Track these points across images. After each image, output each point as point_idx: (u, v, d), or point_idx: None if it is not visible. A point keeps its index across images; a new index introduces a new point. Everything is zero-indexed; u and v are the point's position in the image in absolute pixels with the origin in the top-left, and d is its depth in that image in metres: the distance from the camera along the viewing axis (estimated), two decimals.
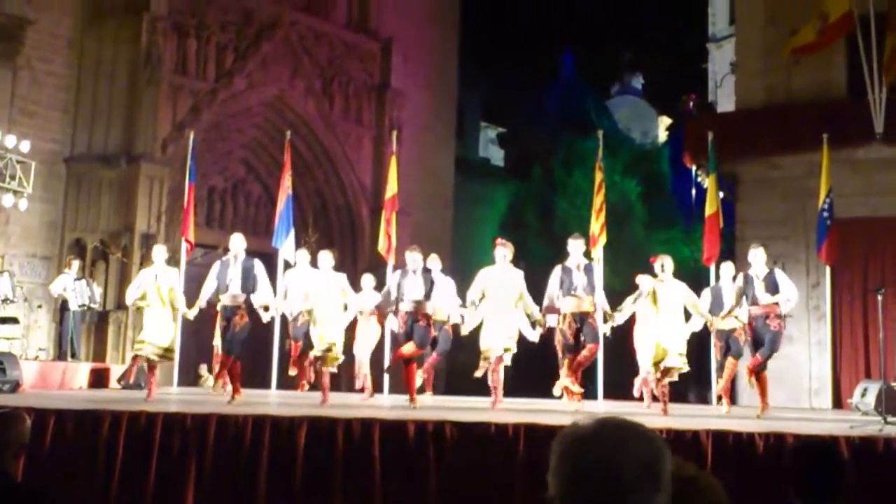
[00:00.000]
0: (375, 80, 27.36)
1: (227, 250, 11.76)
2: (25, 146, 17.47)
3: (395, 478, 7.44)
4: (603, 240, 14.98)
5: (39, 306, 19.13)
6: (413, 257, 11.23)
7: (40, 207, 20.09)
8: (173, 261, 13.07)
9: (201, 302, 11.59)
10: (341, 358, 11.76)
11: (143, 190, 21.28)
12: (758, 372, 11.21)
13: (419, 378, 12.58)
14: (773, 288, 10.94)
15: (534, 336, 11.54)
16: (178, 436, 7.62)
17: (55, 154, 20.86)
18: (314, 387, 13.23)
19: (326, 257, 11.89)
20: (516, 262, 11.58)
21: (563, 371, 11.14)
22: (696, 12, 45.56)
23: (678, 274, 11.66)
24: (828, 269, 16.40)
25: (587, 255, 11.80)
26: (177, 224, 19.25)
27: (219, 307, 11.34)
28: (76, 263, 16.89)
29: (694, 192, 24.44)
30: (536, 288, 11.34)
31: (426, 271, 11.29)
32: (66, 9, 21.41)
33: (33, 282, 19.91)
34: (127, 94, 21.63)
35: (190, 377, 19.40)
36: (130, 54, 21.76)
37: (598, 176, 15.51)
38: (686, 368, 11.26)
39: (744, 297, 11.18)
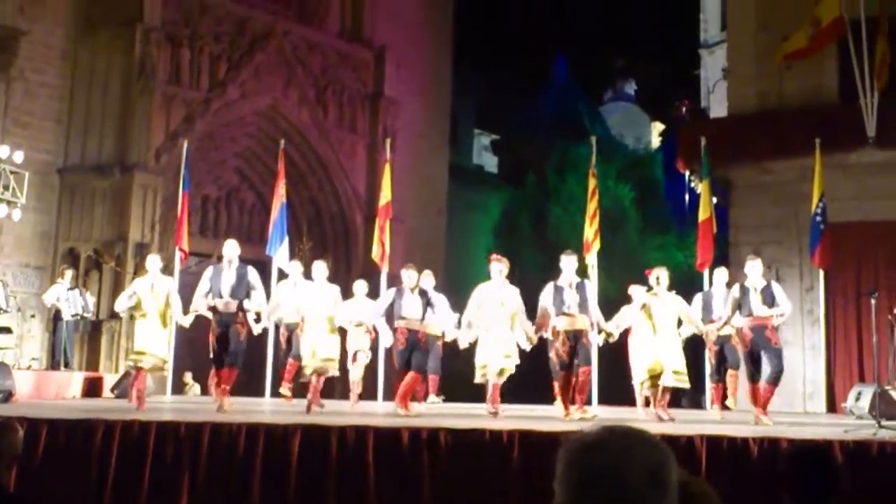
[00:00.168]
0: (369, 89, 27.39)
1: (220, 258, 11.74)
2: (19, 157, 17.44)
3: (390, 485, 7.43)
4: (597, 246, 15.00)
5: (32, 316, 19.09)
6: (409, 275, 11.22)
7: (34, 217, 20.08)
8: (167, 270, 13.03)
9: (195, 308, 11.52)
10: (336, 373, 11.74)
11: (136, 199, 21.28)
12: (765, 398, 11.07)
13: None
14: (769, 300, 10.88)
15: (527, 345, 11.49)
16: (171, 444, 7.60)
17: (49, 164, 20.85)
18: (302, 395, 13.23)
19: (321, 268, 11.85)
20: (510, 269, 11.54)
21: (558, 395, 11.12)
22: (688, 18, 45.71)
23: (672, 279, 11.65)
24: (821, 274, 16.42)
25: (580, 271, 11.72)
26: (171, 233, 19.25)
27: (211, 315, 11.28)
28: (69, 273, 16.86)
29: (687, 197, 24.46)
30: (530, 295, 11.31)
31: (422, 292, 11.26)
32: (59, 20, 21.43)
33: (26, 291, 19.88)
34: (120, 104, 21.64)
35: (176, 385, 19.36)
36: (124, 64, 21.78)
37: (592, 182, 15.53)
38: (686, 386, 11.26)
39: (738, 308, 11.10)
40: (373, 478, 7.40)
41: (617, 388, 14.84)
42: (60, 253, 20.85)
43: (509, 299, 10.99)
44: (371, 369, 14.11)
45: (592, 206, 15.33)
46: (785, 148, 18.28)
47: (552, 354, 11.00)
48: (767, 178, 19.37)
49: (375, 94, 27.37)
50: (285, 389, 13.34)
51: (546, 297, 10.95)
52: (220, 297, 11.13)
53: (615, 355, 13.16)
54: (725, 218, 20.01)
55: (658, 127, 49.90)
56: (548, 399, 11.83)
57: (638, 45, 52.29)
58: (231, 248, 11.46)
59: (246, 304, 11.31)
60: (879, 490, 7.06)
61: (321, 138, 25.90)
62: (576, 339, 10.86)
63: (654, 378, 11.07)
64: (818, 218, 15.68)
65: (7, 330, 16.17)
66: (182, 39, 23.30)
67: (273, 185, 17.11)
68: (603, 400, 14.52)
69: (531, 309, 11.21)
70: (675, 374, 11.01)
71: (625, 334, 12.42)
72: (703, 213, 16.02)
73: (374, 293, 13.74)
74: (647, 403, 12.78)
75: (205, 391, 16.68)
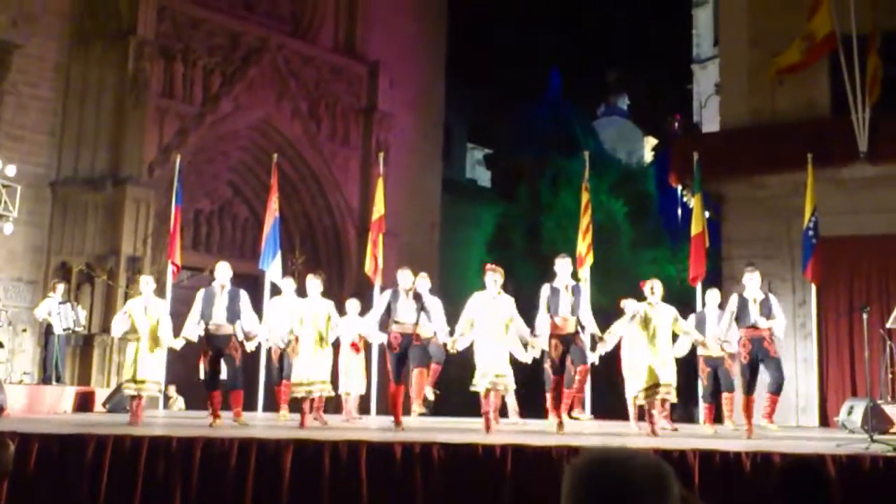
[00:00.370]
0: (362, 103, 27.44)
1: (213, 272, 11.71)
2: (11, 170, 17.44)
3: (383, 500, 7.40)
4: (590, 260, 15.03)
5: (24, 330, 19.03)
6: (404, 275, 11.19)
7: (26, 231, 20.04)
8: (159, 283, 12.99)
9: (186, 335, 11.48)
10: (328, 389, 11.69)
11: (129, 213, 21.27)
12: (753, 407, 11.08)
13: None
14: (767, 312, 10.89)
15: (526, 358, 11.46)
16: (163, 459, 7.57)
17: (41, 178, 20.83)
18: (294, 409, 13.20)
19: (315, 284, 11.76)
20: (504, 283, 11.51)
21: (550, 406, 11.11)
22: (681, 34, 45.86)
23: (664, 293, 11.65)
24: (813, 288, 16.44)
25: (574, 275, 11.74)
26: (163, 247, 19.21)
27: (204, 338, 11.28)
28: (61, 287, 16.81)
29: (680, 211, 24.52)
30: (524, 308, 11.29)
31: (417, 295, 11.22)
32: (52, 33, 21.44)
33: (18, 306, 19.84)
34: (113, 118, 21.64)
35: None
36: (117, 78, 21.78)
37: (585, 196, 15.56)
38: (673, 400, 11.25)
39: (734, 322, 11.08)
40: (366, 493, 7.38)
41: (609, 401, 14.83)
42: (52, 267, 20.81)
43: (504, 308, 10.96)
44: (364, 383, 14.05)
45: (585, 220, 15.35)
46: (777, 162, 18.32)
47: (547, 365, 10.99)
48: (760, 192, 19.41)
49: (369, 107, 27.42)
50: (285, 412, 13.24)
51: (543, 300, 10.94)
52: (213, 320, 11.13)
53: (607, 369, 13.15)
54: (718, 232, 20.03)
55: (651, 142, 50.04)
56: (542, 414, 11.81)
57: (631, 61, 52.51)
58: (223, 272, 11.44)
59: (237, 327, 11.31)
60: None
61: (314, 152, 25.93)
62: (567, 342, 10.86)
63: (650, 389, 11.05)
64: (810, 232, 15.72)
65: None
66: (175, 53, 23.34)
67: (266, 198, 17.11)
68: (596, 413, 14.51)
69: (528, 321, 11.17)
70: (665, 387, 11.00)
71: (617, 348, 12.41)
72: (696, 228, 16.04)
73: (366, 308, 13.71)
74: (639, 417, 12.77)
75: (189, 406, 16.61)
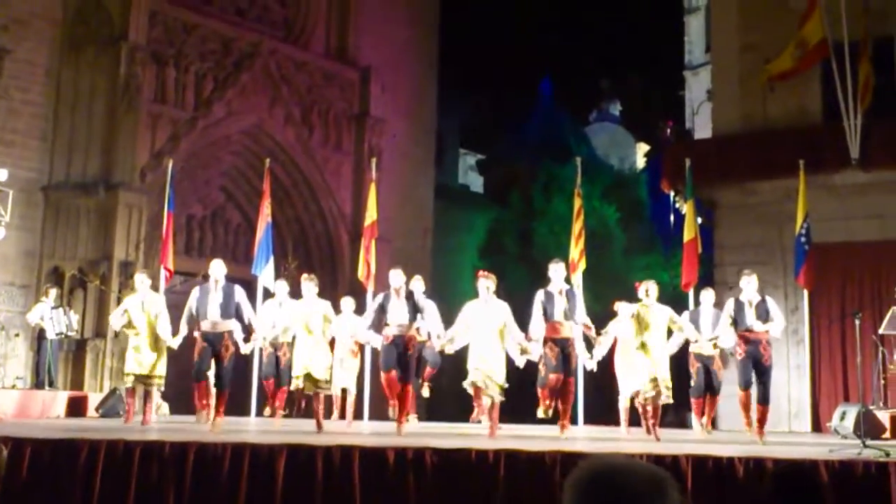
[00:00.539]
0: (355, 108, 27.41)
1: (206, 277, 11.70)
2: (3, 175, 17.36)
3: None
4: (582, 266, 15.06)
5: (17, 335, 18.99)
6: (396, 275, 11.18)
7: (18, 236, 19.98)
8: (153, 288, 12.98)
9: (184, 330, 11.47)
10: (331, 389, 11.69)
11: (121, 218, 21.20)
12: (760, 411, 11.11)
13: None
14: (764, 315, 10.90)
15: (520, 361, 11.42)
16: (156, 464, 7.56)
17: (33, 182, 20.78)
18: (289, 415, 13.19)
19: (310, 287, 11.74)
20: (496, 288, 11.51)
21: (542, 403, 11.09)
22: (673, 41, 46.01)
23: (658, 298, 11.68)
24: (806, 294, 16.49)
25: (567, 280, 11.74)
26: (155, 252, 19.20)
27: (198, 333, 11.24)
28: (53, 292, 16.78)
29: (672, 217, 24.54)
30: (517, 314, 11.29)
31: (409, 295, 11.20)
32: (43, 38, 21.40)
33: (10, 310, 19.79)
34: (105, 123, 21.58)
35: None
36: (108, 83, 21.73)
37: (577, 202, 15.61)
38: (670, 401, 11.27)
39: (732, 324, 11.09)
40: (359, 498, 7.37)
41: (601, 407, 14.85)
42: (45, 271, 20.75)
43: (497, 314, 10.95)
44: (357, 388, 14.05)
45: (578, 226, 15.39)
46: (769, 169, 18.38)
47: (541, 365, 10.97)
48: (752, 198, 19.47)
49: (361, 113, 27.40)
50: (280, 416, 13.22)
51: (538, 304, 10.93)
52: (208, 317, 11.09)
53: (600, 374, 13.17)
54: (710, 238, 20.09)
55: (643, 148, 50.14)
56: (535, 418, 11.79)
57: (623, 67, 52.63)
58: (217, 268, 11.41)
59: (235, 323, 11.28)
60: None
61: (307, 157, 25.90)
62: (562, 345, 10.85)
63: (647, 391, 11.08)
64: (803, 238, 15.76)
65: None
66: (167, 58, 23.31)
67: (258, 204, 17.11)
68: (587, 419, 14.53)
69: (520, 322, 11.17)
70: (666, 388, 11.04)
71: (610, 352, 12.45)
72: (688, 234, 16.10)
73: (360, 311, 13.72)
74: (630, 422, 12.82)
75: (174, 411, 16.55)
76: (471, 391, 10.98)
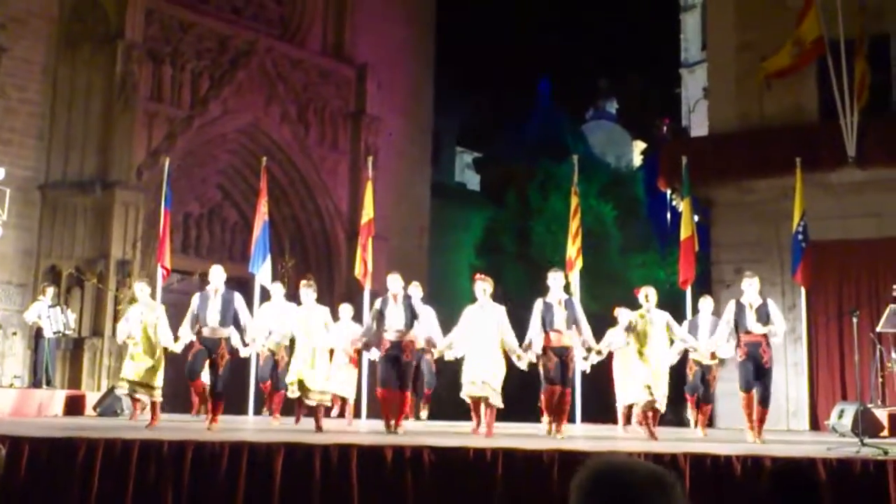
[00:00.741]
0: (351, 107, 27.42)
1: (203, 276, 11.69)
2: (0, 173, 17.38)
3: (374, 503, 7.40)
4: (579, 264, 15.06)
5: (14, 334, 18.99)
6: (394, 279, 11.14)
7: (15, 234, 19.97)
8: (151, 295, 12.94)
9: (187, 337, 11.43)
10: (326, 399, 11.66)
11: (118, 216, 21.20)
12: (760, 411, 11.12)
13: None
14: (764, 318, 10.86)
15: (522, 363, 11.33)
16: (154, 463, 7.55)
17: (30, 181, 20.77)
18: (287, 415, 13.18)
19: (308, 293, 11.65)
20: (493, 287, 11.47)
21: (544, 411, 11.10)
22: (669, 39, 45.98)
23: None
24: (803, 292, 16.50)
25: (563, 288, 11.65)
26: (152, 250, 19.17)
27: (196, 337, 11.24)
28: (51, 290, 16.77)
29: (669, 215, 24.57)
30: (512, 312, 11.25)
31: (407, 299, 11.15)
32: (40, 37, 21.38)
33: (8, 309, 19.79)
34: (102, 121, 21.58)
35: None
36: (105, 81, 21.73)
37: (574, 200, 15.61)
38: (662, 410, 11.26)
39: (731, 330, 11.03)
40: (357, 496, 7.37)
41: (598, 406, 14.86)
42: (42, 270, 20.74)
43: (494, 319, 10.91)
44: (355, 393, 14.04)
45: (575, 224, 15.40)
46: (766, 167, 18.37)
47: (542, 370, 10.96)
48: (748, 196, 19.47)
49: (357, 111, 27.40)
50: (276, 419, 13.22)
51: (536, 314, 10.89)
52: (207, 324, 11.09)
53: (597, 373, 13.18)
54: (707, 236, 20.08)
55: (640, 146, 50.09)
56: (535, 416, 11.80)
57: (620, 65, 52.64)
58: (217, 275, 11.38)
59: (233, 330, 11.27)
60: None
61: (303, 156, 25.91)
62: (561, 355, 10.81)
63: (647, 402, 11.06)
64: (800, 236, 15.78)
65: None
66: (164, 57, 23.31)
67: (255, 202, 17.09)
68: (585, 418, 14.53)
69: (516, 326, 11.13)
70: (661, 396, 11.03)
71: (609, 356, 12.47)
72: (685, 232, 16.10)
73: (357, 312, 13.72)
74: (627, 421, 12.83)
75: (171, 409, 16.54)
76: (468, 401, 10.99)
